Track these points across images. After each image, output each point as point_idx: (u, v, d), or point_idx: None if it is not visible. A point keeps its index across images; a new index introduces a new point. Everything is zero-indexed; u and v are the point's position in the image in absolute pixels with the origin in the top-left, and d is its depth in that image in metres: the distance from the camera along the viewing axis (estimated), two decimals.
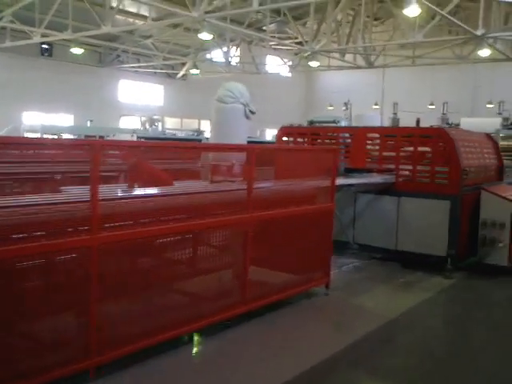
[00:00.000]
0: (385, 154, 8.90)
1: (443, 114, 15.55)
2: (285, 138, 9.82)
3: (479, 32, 16.21)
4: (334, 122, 10.99)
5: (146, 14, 19.26)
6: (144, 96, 27.98)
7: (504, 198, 8.33)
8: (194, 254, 5.38)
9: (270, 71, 28.86)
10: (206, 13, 14.94)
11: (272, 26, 26.70)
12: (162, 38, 24.96)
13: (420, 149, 8.66)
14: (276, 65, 29.68)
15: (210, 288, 5.55)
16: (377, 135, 8.98)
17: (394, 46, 25.70)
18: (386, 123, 18.38)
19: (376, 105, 30.39)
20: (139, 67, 26.55)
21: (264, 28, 26.65)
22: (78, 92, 24.34)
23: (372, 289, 7.53)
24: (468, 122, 14.34)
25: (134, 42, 24.99)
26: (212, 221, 5.26)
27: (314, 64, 21.76)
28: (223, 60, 25.27)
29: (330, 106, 31.39)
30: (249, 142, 12.00)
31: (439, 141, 8.44)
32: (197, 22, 20.04)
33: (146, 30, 24.49)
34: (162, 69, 27.54)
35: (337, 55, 25.06)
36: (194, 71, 24.19)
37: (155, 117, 23.64)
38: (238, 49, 27.09)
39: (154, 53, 24.94)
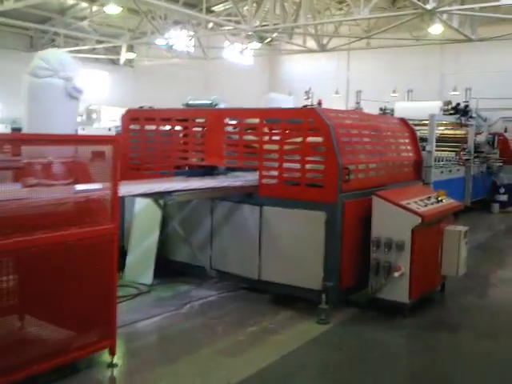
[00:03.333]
0: (247, 145, 6.25)
1: (357, 102, 12.91)
2: (133, 126, 7.14)
3: (429, 6, 13.71)
4: (211, 104, 8.33)
5: None
6: (85, 84, 25.03)
7: (402, 206, 5.71)
8: None
9: (225, 57, 26.05)
10: None
11: (220, 7, 24.06)
12: (97, 19, 22.10)
13: (310, 140, 5.96)
14: (233, 51, 26.86)
15: None
16: (235, 121, 6.32)
17: (346, 29, 23.21)
18: None
19: (337, 93, 27.74)
20: (77, 52, 23.67)
21: (213, 9, 24.05)
22: (5, 80, 21.44)
23: (200, 347, 4.94)
24: (403, 107, 11.76)
25: (66, 24, 22.13)
26: None
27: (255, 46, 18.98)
28: (169, 45, 22.43)
29: (289, 95, 28.83)
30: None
31: (310, 127, 5.80)
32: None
33: (79, 10, 21.74)
34: (105, 54, 24.68)
35: (298, 41, 22.59)
36: (130, 55, 21.38)
37: (92, 107, 20.94)
38: (189, 33, 24.20)
39: (86, 35, 22.07)
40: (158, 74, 25.54)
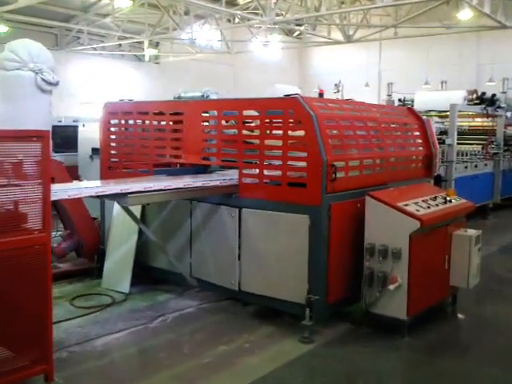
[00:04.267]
0: (226, 140, 5.55)
1: (388, 95, 11.92)
2: (114, 122, 6.53)
3: None
4: (202, 97, 7.64)
5: None
6: (110, 82, 24.81)
7: (399, 209, 4.92)
8: None
9: (252, 51, 25.29)
10: None
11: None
12: (120, 16, 21.72)
13: (292, 133, 5.24)
14: (259, 45, 26.11)
15: None
16: (214, 113, 5.61)
17: (376, 19, 22.16)
18: None
19: (367, 86, 26.70)
20: (103, 49, 23.38)
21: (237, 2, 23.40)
22: None
23: (157, 370, 4.33)
24: (423, 98, 10.81)
25: (89, 21, 21.84)
26: None
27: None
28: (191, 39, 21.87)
29: (318, 89, 27.91)
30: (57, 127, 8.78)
31: (291, 118, 5.05)
32: None
33: (101, 7, 21.43)
34: (130, 51, 24.33)
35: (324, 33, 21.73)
36: (152, 51, 20.91)
37: None
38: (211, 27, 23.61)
39: (110, 32, 21.70)
40: (184, 70, 25.00)
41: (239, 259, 5.32)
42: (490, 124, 11.57)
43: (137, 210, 6.04)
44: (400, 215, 4.89)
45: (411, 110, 6.69)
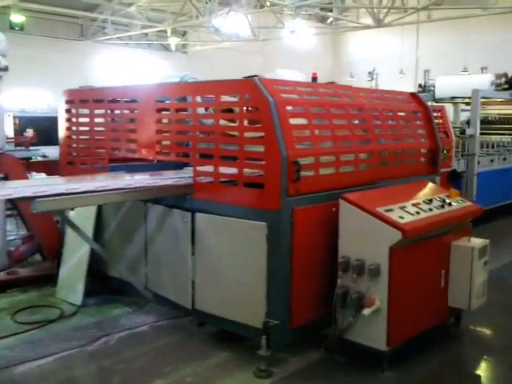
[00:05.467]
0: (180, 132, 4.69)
1: (425, 83, 10.66)
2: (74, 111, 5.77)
3: None
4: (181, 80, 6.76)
5: None
6: (137, 72, 24.24)
7: (377, 216, 3.95)
8: None
9: (282, 37, 24.15)
10: None
11: None
12: (143, 4, 21.07)
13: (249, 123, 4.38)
14: (288, 31, 24.99)
15: None
16: (168, 101, 4.74)
17: (413, 1, 20.73)
18: None
19: (401, 73, 25.32)
20: (129, 38, 22.81)
21: None
22: (57, 69, 20.94)
23: None
24: (445, 83, 9.62)
25: (113, 10, 21.30)
26: None
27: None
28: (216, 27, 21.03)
29: (351, 77, 26.86)
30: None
31: (247, 104, 4.15)
32: None
33: None
34: (157, 40, 23.70)
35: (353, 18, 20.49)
36: (174, 40, 20.20)
37: None
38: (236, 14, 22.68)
39: (133, 21, 21.09)
40: (212, 59, 24.19)
41: (193, 273, 4.47)
42: None
43: (92, 213, 5.29)
44: (378, 223, 3.93)
45: (414, 96, 5.65)
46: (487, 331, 5.04)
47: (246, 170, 4.15)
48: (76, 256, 5.42)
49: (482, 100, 9.91)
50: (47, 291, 5.71)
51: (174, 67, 24.76)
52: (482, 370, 4.37)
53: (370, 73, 22.09)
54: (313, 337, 4.38)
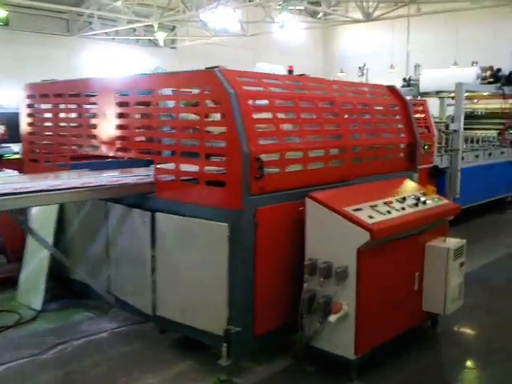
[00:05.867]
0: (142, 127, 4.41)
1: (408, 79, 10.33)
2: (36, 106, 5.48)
3: None
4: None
5: None
6: (125, 68, 23.87)
7: (345, 215, 3.70)
8: None
9: (272, 33, 23.83)
10: None
11: None
12: None
13: (211, 117, 4.13)
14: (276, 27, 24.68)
15: None
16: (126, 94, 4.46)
17: None
18: None
19: (392, 68, 25.04)
20: (116, 33, 22.45)
21: None
22: (43, 65, 20.56)
23: None
24: (430, 76, 9.36)
25: (100, 5, 20.94)
26: None
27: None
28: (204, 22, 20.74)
29: (341, 72, 26.62)
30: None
31: (208, 97, 3.88)
32: None
33: None
34: (144, 35, 23.35)
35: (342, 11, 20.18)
36: (162, 35, 19.88)
37: None
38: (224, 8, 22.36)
39: (120, 16, 20.73)
40: (202, 55, 23.83)
41: (153, 276, 4.21)
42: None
43: (53, 212, 5.03)
44: (345, 223, 3.68)
45: (392, 90, 5.39)
46: (467, 334, 4.82)
47: (208, 168, 3.89)
48: (37, 258, 5.15)
49: (470, 94, 9.71)
50: (9, 295, 5.43)
51: (163, 63, 24.37)
52: (461, 379, 4.13)
53: (360, 68, 21.82)
54: (280, 344, 4.13)
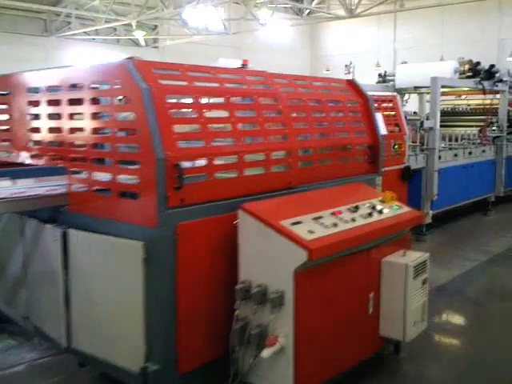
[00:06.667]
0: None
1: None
2: None
3: None
4: None
5: None
6: None
7: (280, 230, 3.10)
8: None
9: (255, 31, 23.21)
10: None
11: None
12: None
13: (121, 116, 3.50)
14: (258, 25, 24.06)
15: None
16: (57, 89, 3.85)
17: None
18: None
19: (378, 66, 24.47)
20: (96, 33, 21.80)
21: None
22: (21, 66, 19.85)
23: None
24: (406, 71, 8.78)
25: (78, 4, 20.31)
26: None
27: None
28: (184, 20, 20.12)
29: (327, 71, 26.14)
30: None
31: (120, 93, 3.28)
32: None
33: None
34: (125, 35, 22.72)
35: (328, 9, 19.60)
36: (139, 33, 19.27)
37: None
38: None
39: (98, 15, 20.08)
40: (185, 54, 23.16)
41: (66, 303, 3.60)
42: (496, 102, 9.47)
43: None
44: (280, 240, 3.09)
45: (352, 84, 4.81)
46: (434, 362, 4.22)
47: (123, 177, 3.29)
48: None
49: (451, 90, 9.16)
50: None
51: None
52: None
53: (346, 66, 21.28)
54: (213, 381, 3.53)
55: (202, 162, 3.27)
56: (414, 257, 3.67)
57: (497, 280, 6.08)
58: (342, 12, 19.21)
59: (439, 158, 7.45)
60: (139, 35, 19.83)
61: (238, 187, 3.48)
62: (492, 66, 8.69)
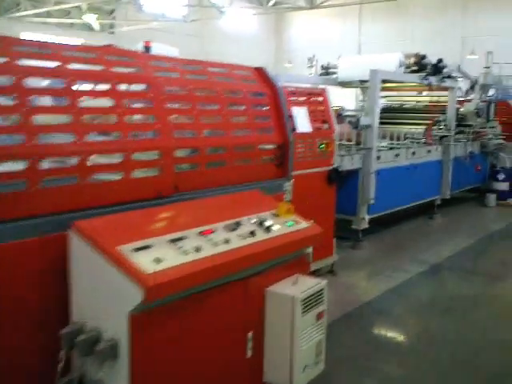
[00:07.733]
0: None
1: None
2: None
3: None
4: None
5: None
6: None
7: (117, 260, 2.30)
8: None
9: (215, 19, 22.28)
10: None
11: None
12: None
13: None
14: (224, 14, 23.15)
15: None
16: None
17: None
18: None
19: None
20: (48, 16, 20.56)
21: None
22: None
23: None
24: (349, 63, 8.09)
25: None
26: None
27: None
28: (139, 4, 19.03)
29: (289, 63, 25.55)
30: None
31: None
32: None
33: None
34: (80, 18, 21.49)
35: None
36: (89, 18, 18.16)
37: None
38: None
39: None
40: (142, 40, 22.08)
41: None
42: (443, 100, 8.84)
43: None
44: (112, 272, 2.29)
45: (260, 73, 4.03)
46: None
47: None
48: None
49: (400, 85, 8.53)
50: None
51: None
52: None
53: (309, 59, 20.61)
54: None
55: (18, 166, 2.44)
56: (306, 285, 2.92)
57: (424, 297, 5.40)
58: (303, 3, 18.52)
59: (378, 158, 6.76)
60: (91, 19, 18.69)
61: (78, 198, 2.66)
62: (440, 60, 8.02)
